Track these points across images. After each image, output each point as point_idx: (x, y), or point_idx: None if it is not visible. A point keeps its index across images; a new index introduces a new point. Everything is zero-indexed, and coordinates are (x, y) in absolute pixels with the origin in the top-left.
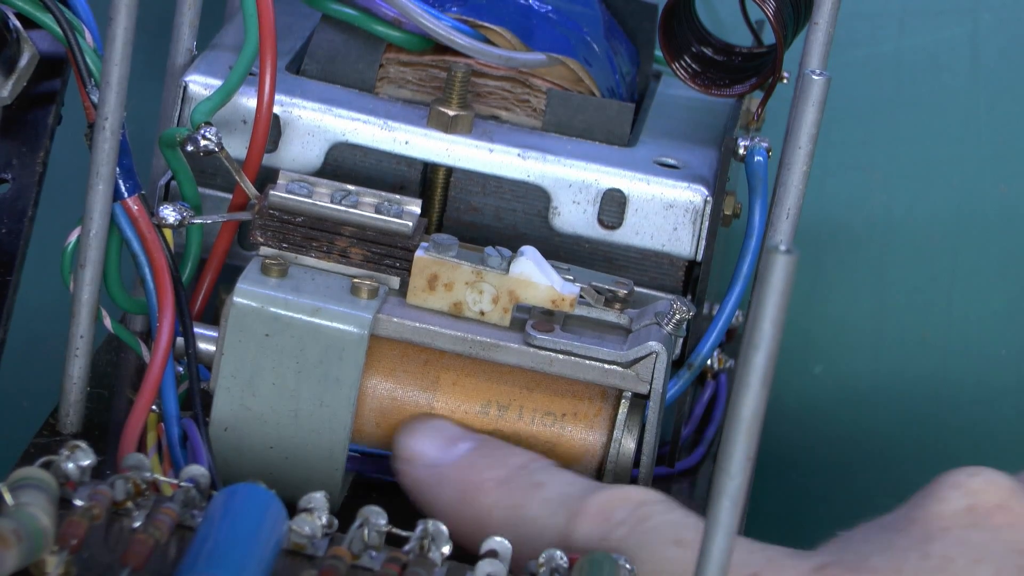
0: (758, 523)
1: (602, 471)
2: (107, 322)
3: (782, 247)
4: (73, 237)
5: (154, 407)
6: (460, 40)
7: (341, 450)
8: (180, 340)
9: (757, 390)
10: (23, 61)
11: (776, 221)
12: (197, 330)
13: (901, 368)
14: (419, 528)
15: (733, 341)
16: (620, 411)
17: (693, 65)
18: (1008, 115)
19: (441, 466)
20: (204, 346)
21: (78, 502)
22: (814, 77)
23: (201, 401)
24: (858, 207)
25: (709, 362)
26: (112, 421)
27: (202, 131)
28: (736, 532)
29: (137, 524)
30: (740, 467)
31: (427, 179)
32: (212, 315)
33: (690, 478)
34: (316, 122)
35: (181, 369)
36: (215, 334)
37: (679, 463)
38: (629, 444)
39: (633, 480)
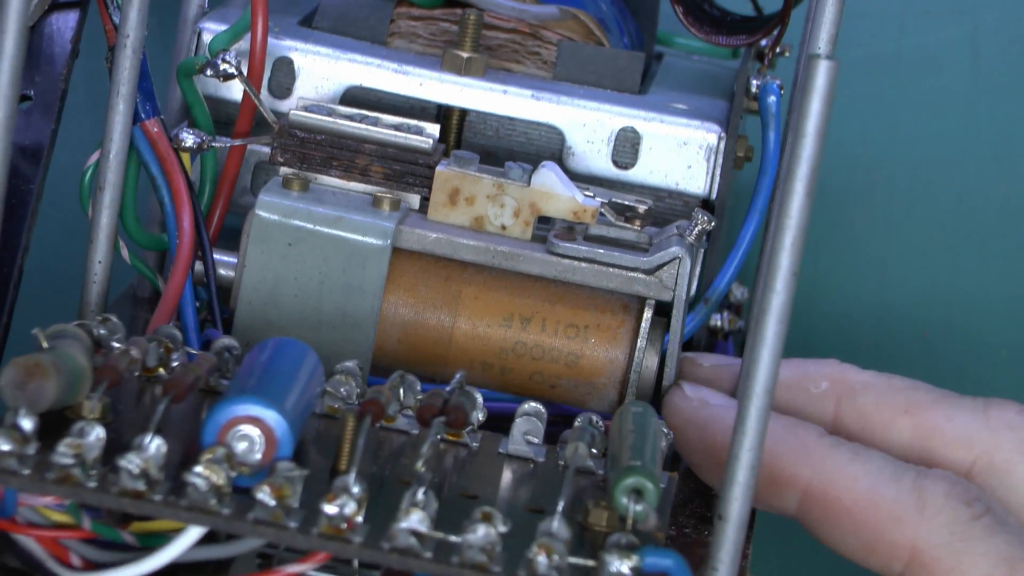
0: (761, 523)
1: (625, 383)
2: (124, 253)
3: (823, 53)
4: (92, 160)
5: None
6: None
7: (364, 362)
8: (198, 267)
9: (802, 199)
10: None
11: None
12: (214, 256)
13: (901, 368)
14: (457, 376)
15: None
16: (643, 322)
17: (697, 13)
18: (1008, 115)
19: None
20: (222, 272)
21: (116, 344)
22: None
23: (222, 323)
24: (858, 207)
25: (719, 323)
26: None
27: (221, 56)
28: (780, 353)
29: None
30: (785, 283)
31: (441, 123)
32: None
33: None
34: (330, 67)
35: (198, 303)
36: (232, 260)
37: None
38: (652, 356)
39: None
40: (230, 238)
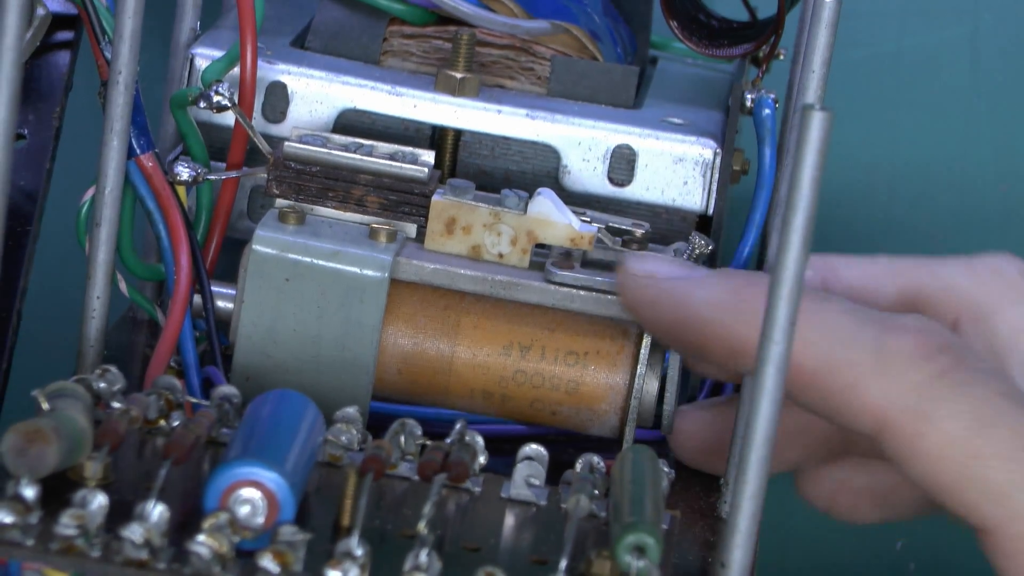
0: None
1: (626, 409)
2: (123, 286)
3: (816, 104)
4: (88, 196)
5: (173, 363)
6: (464, 8)
7: (364, 395)
8: (197, 299)
9: (798, 250)
10: (36, 20)
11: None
12: (213, 288)
13: None
14: (458, 426)
15: None
16: (643, 348)
17: (692, 26)
18: (1008, 115)
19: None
20: (220, 304)
21: (116, 404)
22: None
23: (221, 356)
24: (858, 207)
25: None
26: (128, 390)
27: (214, 87)
28: (780, 403)
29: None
30: (783, 333)
31: (436, 144)
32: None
33: None
34: (323, 90)
35: (197, 333)
36: (231, 291)
37: None
38: (652, 381)
39: (656, 420)
40: (230, 250)
